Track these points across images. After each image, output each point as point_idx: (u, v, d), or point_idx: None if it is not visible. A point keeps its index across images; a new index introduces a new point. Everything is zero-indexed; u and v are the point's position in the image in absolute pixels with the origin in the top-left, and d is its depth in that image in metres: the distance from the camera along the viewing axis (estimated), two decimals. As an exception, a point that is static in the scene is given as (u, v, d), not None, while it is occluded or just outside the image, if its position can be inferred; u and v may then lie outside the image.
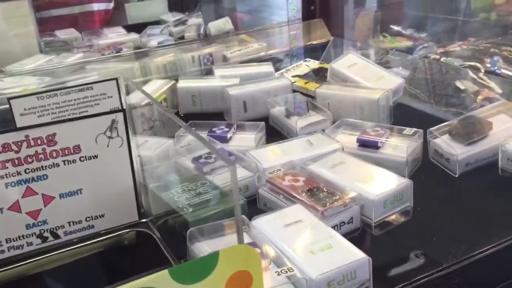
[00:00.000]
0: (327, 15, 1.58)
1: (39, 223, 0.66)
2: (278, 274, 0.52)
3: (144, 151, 0.78)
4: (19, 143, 0.63)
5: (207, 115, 1.03)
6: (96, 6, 1.78)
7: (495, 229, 0.66)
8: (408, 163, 0.77)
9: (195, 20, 1.67)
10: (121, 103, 0.67)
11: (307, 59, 1.35)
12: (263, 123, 0.93)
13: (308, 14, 1.60)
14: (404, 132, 0.84)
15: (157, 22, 1.73)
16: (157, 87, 1.09)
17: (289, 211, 0.65)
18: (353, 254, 0.55)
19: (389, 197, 0.67)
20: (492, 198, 0.74)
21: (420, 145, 0.82)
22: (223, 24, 1.59)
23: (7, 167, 0.63)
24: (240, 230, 0.49)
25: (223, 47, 1.38)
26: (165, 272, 0.40)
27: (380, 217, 0.67)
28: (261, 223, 0.62)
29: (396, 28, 1.64)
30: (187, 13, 1.78)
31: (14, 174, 0.63)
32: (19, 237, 0.65)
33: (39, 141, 0.64)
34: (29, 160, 0.63)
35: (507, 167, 0.78)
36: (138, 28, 1.64)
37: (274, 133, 0.97)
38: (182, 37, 1.58)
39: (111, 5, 1.82)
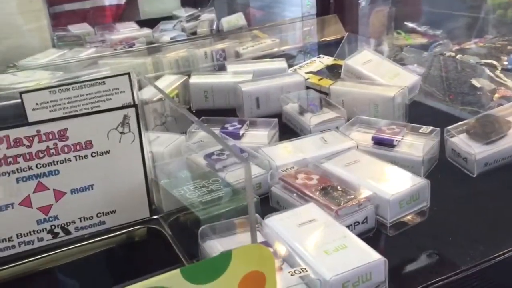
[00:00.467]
0: (342, 10, 1.56)
1: (50, 219, 0.65)
2: (291, 275, 0.51)
3: (156, 147, 0.77)
4: (31, 138, 0.62)
5: (219, 111, 1.02)
6: (107, 1, 1.78)
7: (515, 231, 0.64)
8: (424, 162, 0.76)
9: (207, 15, 1.66)
10: (133, 98, 0.67)
11: (321, 55, 1.33)
12: (276, 120, 0.91)
13: (322, 9, 1.58)
14: (420, 131, 0.82)
15: (170, 18, 1.72)
16: (169, 82, 1.08)
17: (303, 210, 0.63)
18: (369, 255, 0.54)
19: (405, 197, 0.66)
20: (511, 198, 0.72)
21: (437, 144, 0.81)
22: (236, 19, 1.58)
23: (19, 162, 0.62)
24: (254, 229, 0.48)
25: (236, 43, 1.37)
26: (177, 272, 0.39)
27: (395, 217, 0.65)
28: (274, 221, 0.61)
29: (410, 25, 1.61)
30: (199, 8, 1.77)
31: (25, 169, 0.63)
32: (30, 232, 0.65)
33: (50, 136, 0.63)
34: (41, 155, 0.63)
35: (526, 167, 0.76)
36: (150, 23, 1.64)
37: (287, 130, 0.96)
38: (195, 33, 1.57)
39: (123, 0, 1.81)
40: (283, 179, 0.71)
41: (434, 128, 0.81)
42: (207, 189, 0.69)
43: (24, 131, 0.62)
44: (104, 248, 0.68)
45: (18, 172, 0.62)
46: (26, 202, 0.64)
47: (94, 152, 0.66)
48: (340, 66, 1.15)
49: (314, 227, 0.60)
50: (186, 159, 0.81)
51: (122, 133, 0.67)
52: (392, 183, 0.68)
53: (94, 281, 0.69)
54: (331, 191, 0.67)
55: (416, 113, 0.97)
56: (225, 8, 1.96)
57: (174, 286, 0.39)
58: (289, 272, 0.51)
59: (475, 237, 0.63)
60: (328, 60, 1.29)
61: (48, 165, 0.64)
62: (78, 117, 0.64)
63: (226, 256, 0.41)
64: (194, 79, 1.10)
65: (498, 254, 0.59)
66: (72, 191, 0.65)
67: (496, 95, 1.06)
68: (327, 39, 1.52)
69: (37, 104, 0.63)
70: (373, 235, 0.64)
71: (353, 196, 0.65)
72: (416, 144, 0.79)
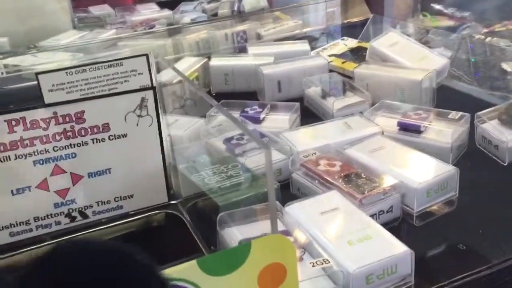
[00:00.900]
0: (367, -9, 1.51)
1: (68, 202, 0.64)
2: (313, 266, 0.49)
3: (174, 131, 0.76)
4: (47, 120, 0.61)
5: (239, 95, 1.00)
6: (128, -18, 1.77)
7: (549, 223, 0.61)
8: (453, 150, 0.73)
9: (229, -4, 1.63)
10: (152, 81, 0.65)
11: (345, 37, 1.29)
12: (297, 103, 0.89)
13: (346, -10, 1.53)
14: (449, 116, 0.78)
15: (191, -1, 1.70)
16: (189, 65, 1.06)
17: (325, 198, 0.61)
18: (394, 247, 0.52)
19: (433, 186, 0.63)
20: (545, 189, 0.69)
21: (466, 130, 0.77)
22: (258, 1, 1.54)
23: (35, 145, 0.61)
24: (274, 217, 0.46)
25: (257, 25, 1.34)
26: (193, 263, 0.37)
27: (422, 206, 0.63)
28: (295, 209, 0.59)
29: (437, 6, 1.56)
30: (221, -11, 1.74)
31: (42, 152, 0.61)
32: (47, 216, 0.64)
33: (67, 118, 0.62)
34: (57, 137, 0.62)
35: (562, 156, 0.72)
36: (171, 4, 1.62)
37: (309, 114, 0.93)
38: (216, 14, 1.54)
39: (144, -19, 1.79)
40: (304, 165, 0.69)
41: (464, 113, 0.78)
42: (226, 175, 0.67)
43: (40, 113, 0.61)
44: (122, 233, 0.67)
45: (34, 154, 0.61)
46: (43, 185, 0.63)
47: (112, 135, 0.64)
48: (365, 48, 1.11)
49: (337, 216, 0.58)
50: (205, 143, 0.79)
51: (139, 116, 0.65)
52: (419, 171, 0.65)
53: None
54: (355, 179, 0.64)
55: (444, 97, 0.93)
56: (247, -11, 1.92)
57: (191, 277, 0.37)
58: (310, 263, 0.49)
59: (506, 229, 0.60)
60: (352, 43, 1.25)
61: (65, 148, 0.62)
62: (95, 99, 0.63)
63: (245, 247, 0.39)
64: (215, 62, 1.07)
65: (532, 247, 0.56)
66: (89, 175, 0.64)
67: (528, 80, 1.02)
68: (351, 20, 1.48)
69: (53, 85, 0.61)
70: (398, 225, 0.61)
71: (377, 184, 0.63)
72: (444, 130, 0.75)
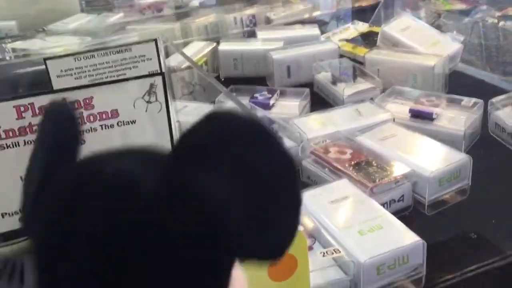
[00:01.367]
0: (378, -26, 1.48)
1: (76, 189, 0.64)
2: (323, 255, 0.49)
3: (183, 117, 0.75)
4: (56, 106, 0.61)
5: (248, 80, 0.99)
6: (137, -36, 1.74)
7: None
8: (466, 137, 0.71)
9: (237, -21, 1.60)
10: (160, 66, 0.64)
11: (356, 21, 1.27)
12: (307, 89, 0.88)
13: (357, -27, 1.50)
14: (462, 103, 0.77)
15: (199, -19, 1.68)
16: (197, 49, 1.05)
17: (335, 186, 0.60)
18: (406, 237, 0.51)
19: (446, 174, 0.62)
20: (559, 178, 0.67)
21: (479, 117, 0.76)
22: (267, -17, 1.52)
23: (44, 131, 0.61)
24: (285, 208, 0.45)
25: (267, 8, 1.32)
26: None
27: (434, 195, 0.62)
28: (305, 198, 0.58)
29: (449, -11, 1.53)
30: (229, -28, 1.71)
31: (50, 138, 0.61)
32: (56, 202, 0.64)
33: (76, 105, 0.61)
34: (66, 124, 0.61)
35: None
36: (179, -13, 1.60)
37: (319, 100, 0.92)
38: (224, -3, 1.52)
39: (152, -37, 1.77)
40: (314, 153, 0.68)
41: (477, 100, 0.77)
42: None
43: (48, 98, 0.60)
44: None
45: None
46: (52, 172, 0.62)
47: (120, 122, 0.64)
48: (376, 33, 1.09)
49: (347, 204, 0.57)
50: (214, 130, 0.78)
51: (148, 102, 0.64)
52: (431, 159, 0.64)
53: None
54: (366, 167, 0.64)
55: (457, 83, 0.91)
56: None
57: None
58: (321, 252, 0.49)
59: (520, 219, 0.59)
60: (363, 27, 1.23)
61: (74, 135, 0.62)
62: (104, 85, 0.62)
63: (255, 238, 0.38)
64: (223, 46, 1.06)
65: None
66: (98, 161, 0.64)
67: (542, 65, 1.00)
68: (362, 4, 1.45)
69: (61, 71, 0.61)
70: (409, 214, 0.61)
71: (388, 173, 0.62)
72: (457, 117, 0.74)
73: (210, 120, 0.25)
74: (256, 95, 0.87)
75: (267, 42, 1.07)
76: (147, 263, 0.22)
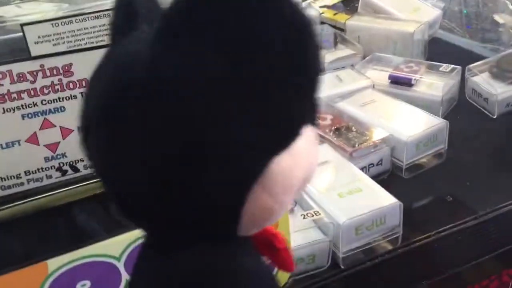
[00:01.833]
0: None
1: (58, 156, 0.64)
2: (304, 217, 0.50)
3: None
4: (34, 73, 0.60)
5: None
6: None
7: (535, 175, 0.62)
8: (443, 103, 0.73)
9: None
10: (140, 32, 0.63)
11: (337, -12, 1.26)
12: (288, 56, 0.88)
13: None
14: (440, 69, 0.78)
15: None
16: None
17: (316, 151, 0.61)
18: (383, 199, 0.53)
19: (423, 139, 0.63)
20: (532, 142, 0.70)
21: (457, 83, 0.77)
22: None
23: (23, 98, 0.60)
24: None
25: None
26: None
27: (411, 159, 0.63)
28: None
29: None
30: None
31: (30, 105, 0.61)
32: (38, 169, 0.64)
33: (55, 71, 0.61)
34: (45, 91, 0.61)
35: (550, 109, 0.73)
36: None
37: (300, 67, 0.92)
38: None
39: None
40: (295, 119, 0.69)
41: (455, 66, 0.78)
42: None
43: (27, 65, 0.60)
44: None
45: (23, 108, 0.60)
46: (33, 139, 0.62)
47: (101, 89, 0.63)
48: (357, 0, 1.09)
49: (328, 168, 0.58)
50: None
51: (129, 69, 0.64)
52: (409, 124, 0.65)
53: (104, 219, 0.68)
54: (346, 132, 0.65)
55: (436, 50, 0.92)
56: None
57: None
58: (301, 215, 0.50)
59: (493, 181, 0.61)
60: (344, -7, 1.22)
61: (54, 102, 0.62)
62: (83, 51, 0.61)
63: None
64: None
65: (517, 199, 0.57)
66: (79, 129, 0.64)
67: (520, 32, 1.01)
68: (343, -30, 1.44)
69: (39, 37, 0.59)
70: (388, 178, 0.62)
71: (368, 137, 0.63)
72: (435, 83, 0.75)
73: None
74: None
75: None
76: None
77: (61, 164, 0.64)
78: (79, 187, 0.66)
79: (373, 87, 0.76)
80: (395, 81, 0.77)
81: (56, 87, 0.61)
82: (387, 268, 0.51)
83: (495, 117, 0.74)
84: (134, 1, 0.29)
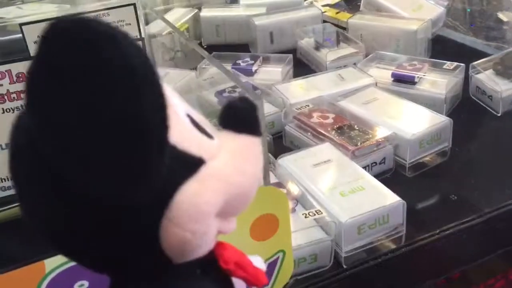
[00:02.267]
0: None
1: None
2: (305, 217, 0.49)
3: (165, 84, 0.74)
4: (34, 73, 0.59)
5: (231, 47, 0.98)
6: None
7: (540, 173, 0.61)
8: (447, 100, 0.72)
9: None
10: (140, 31, 0.63)
11: (339, -13, 1.26)
12: (290, 55, 0.87)
13: None
14: (444, 67, 0.77)
15: None
16: (178, 16, 1.04)
17: (318, 150, 0.61)
18: (386, 197, 0.52)
19: (426, 137, 0.62)
20: (538, 139, 0.69)
21: (460, 81, 0.76)
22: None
23: (23, 98, 0.60)
24: (267, 170, 0.46)
25: (249, -26, 1.29)
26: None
27: (415, 158, 0.62)
28: (288, 162, 0.59)
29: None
30: None
31: (29, 106, 0.60)
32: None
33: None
34: (45, 91, 0.60)
35: (555, 106, 0.72)
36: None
37: (302, 66, 0.92)
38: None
39: None
40: (297, 118, 0.68)
41: (459, 64, 0.77)
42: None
43: (26, 65, 0.59)
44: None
45: (22, 108, 0.60)
46: (33, 140, 0.62)
47: (100, 89, 0.63)
48: (359, -2, 1.08)
49: (330, 167, 0.57)
50: (197, 97, 0.78)
51: (128, 68, 0.63)
52: (412, 122, 0.65)
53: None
54: (348, 131, 0.64)
55: (439, 48, 0.92)
56: None
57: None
58: (303, 214, 0.50)
59: (498, 179, 0.60)
60: (346, -8, 1.22)
61: (53, 102, 0.61)
62: (82, 51, 0.61)
63: (237, 198, 0.39)
64: (205, 13, 1.05)
65: (523, 197, 0.56)
66: (79, 129, 0.63)
67: (524, 30, 1.00)
68: (346, -31, 1.43)
69: (38, 36, 0.59)
70: (391, 176, 0.61)
71: (370, 136, 0.62)
72: (439, 81, 0.75)
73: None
74: (239, 61, 0.86)
75: (249, 8, 1.05)
76: None
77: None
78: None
79: (376, 85, 0.75)
80: (398, 79, 0.77)
81: (56, 87, 0.60)
82: (390, 268, 0.51)
83: (499, 114, 0.73)
84: None
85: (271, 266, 0.44)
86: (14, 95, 0.59)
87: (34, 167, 0.25)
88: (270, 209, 0.41)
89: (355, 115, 0.67)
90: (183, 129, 0.26)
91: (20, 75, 0.59)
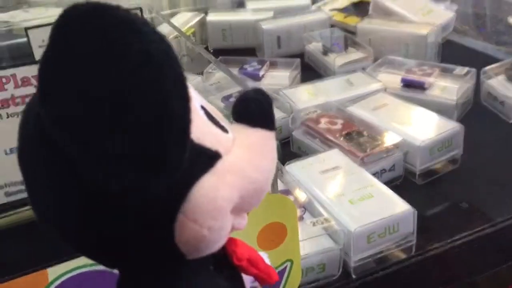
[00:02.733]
0: None
1: (63, 162, 0.63)
2: (313, 225, 0.48)
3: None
4: (39, 77, 0.59)
5: (238, 51, 0.97)
6: None
7: (554, 181, 0.60)
8: (458, 106, 0.71)
9: None
10: (146, 35, 0.62)
11: (347, -9, 1.25)
12: (298, 60, 0.86)
13: None
14: (454, 72, 0.76)
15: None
16: (185, 20, 1.03)
17: (326, 156, 0.60)
18: (396, 205, 0.51)
19: (437, 144, 0.61)
20: (551, 146, 0.67)
21: (472, 86, 0.75)
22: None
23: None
24: (274, 177, 0.45)
25: (256, -22, 1.29)
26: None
27: (425, 165, 0.61)
28: (295, 168, 0.58)
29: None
30: None
31: (34, 110, 0.60)
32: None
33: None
34: (50, 95, 0.60)
35: None
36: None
37: (310, 71, 0.91)
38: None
39: None
40: (305, 124, 0.67)
41: (470, 69, 0.76)
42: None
43: (31, 69, 0.59)
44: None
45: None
46: (37, 145, 0.61)
47: (106, 93, 0.62)
48: (368, 2, 1.07)
49: (338, 174, 0.56)
50: (203, 101, 0.77)
51: (134, 72, 0.63)
52: (422, 129, 0.63)
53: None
54: (357, 137, 0.63)
55: (449, 53, 0.90)
56: None
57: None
58: (311, 222, 0.48)
59: (510, 187, 0.59)
60: (354, -4, 1.21)
61: (58, 106, 0.61)
62: (88, 55, 0.60)
63: (244, 207, 0.38)
64: (212, 17, 1.04)
65: (536, 206, 0.55)
66: (84, 134, 0.63)
67: (534, 34, 0.99)
68: (354, -27, 1.42)
69: (43, 41, 0.59)
70: (400, 184, 0.60)
71: (380, 142, 0.61)
72: (449, 86, 0.73)
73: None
74: (246, 66, 0.85)
75: (256, 12, 1.05)
76: None
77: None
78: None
79: (385, 90, 0.74)
80: (408, 84, 0.75)
81: (61, 91, 0.60)
82: (400, 278, 0.49)
83: (511, 121, 0.72)
84: None
85: (279, 276, 0.43)
86: (19, 99, 0.59)
87: (46, 159, 0.24)
88: (277, 218, 0.40)
89: (364, 121, 0.66)
90: (200, 122, 0.25)
91: (25, 79, 0.58)
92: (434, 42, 0.87)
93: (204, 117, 0.26)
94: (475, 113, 0.74)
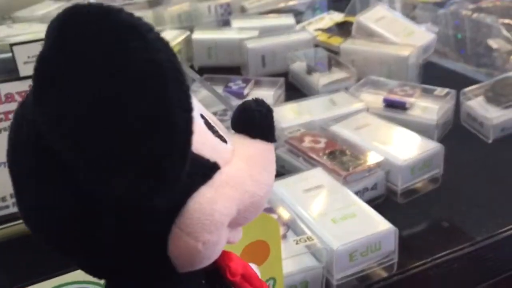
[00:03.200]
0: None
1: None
2: (296, 243, 0.48)
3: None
4: (23, 94, 0.59)
5: (223, 69, 0.98)
6: (109, -49, 1.71)
7: (531, 201, 0.61)
8: (438, 127, 0.72)
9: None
10: (132, 53, 0.62)
11: (331, 11, 1.27)
12: (282, 79, 0.87)
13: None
14: (435, 93, 0.78)
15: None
16: (170, 38, 1.03)
17: (309, 175, 0.60)
18: (378, 224, 0.51)
19: (418, 163, 0.62)
20: (528, 166, 0.69)
21: (452, 107, 0.77)
22: (242, -27, 1.50)
23: (11, 119, 0.59)
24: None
25: (242, -3, 1.31)
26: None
27: (406, 184, 0.62)
28: (279, 186, 0.58)
29: (424, -19, 1.53)
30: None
31: (17, 127, 0.59)
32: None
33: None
34: (33, 112, 0.59)
35: (545, 133, 0.72)
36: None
37: (294, 90, 0.92)
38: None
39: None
40: (289, 142, 0.68)
41: (450, 90, 0.77)
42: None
43: (15, 85, 0.58)
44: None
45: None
46: (20, 161, 0.60)
47: (90, 110, 0.62)
48: (351, 23, 1.09)
49: (321, 193, 0.57)
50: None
51: (119, 90, 0.63)
52: (403, 148, 0.65)
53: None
54: (339, 156, 0.64)
55: (430, 74, 0.92)
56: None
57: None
58: (294, 240, 0.49)
59: (490, 206, 0.60)
60: (338, 17, 1.23)
61: (42, 123, 0.60)
62: (73, 72, 0.60)
63: (227, 225, 0.38)
64: (197, 35, 1.05)
65: (514, 225, 0.56)
66: (68, 150, 0.62)
67: (513, 57, 1.01)
68: (338, -6, 1.45)
69: (28, 57, 0.59)
70: (382, 203, 0.61)
71: (362, 161, 0.62)
72: (430, 107, 0.75)
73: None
74: (231, 84, 0.86)
75: (242, 31, 1.06)
76: None
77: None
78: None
79: (367, 110, 0.75)
80: (390, 104, 0.77)
81: (45, 107, 0.60)
82: (382, 297, 0.50)
83: (490, 141, 0.73)
84: None
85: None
86: (2, 116, 0.58)
87: (39, 162, 0.23)
88: (260, 236, 0.41)
89: (347, 140, 0.67)
90: (199, 132, 0.24)
91: (9, 95, 0.58)
92: (415, 63, 0.89)
93: (204, 127, 0.25)
94: (455, 133, 0.76)
